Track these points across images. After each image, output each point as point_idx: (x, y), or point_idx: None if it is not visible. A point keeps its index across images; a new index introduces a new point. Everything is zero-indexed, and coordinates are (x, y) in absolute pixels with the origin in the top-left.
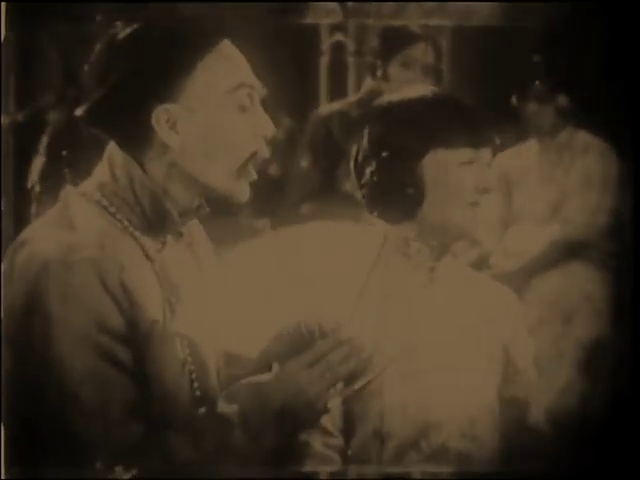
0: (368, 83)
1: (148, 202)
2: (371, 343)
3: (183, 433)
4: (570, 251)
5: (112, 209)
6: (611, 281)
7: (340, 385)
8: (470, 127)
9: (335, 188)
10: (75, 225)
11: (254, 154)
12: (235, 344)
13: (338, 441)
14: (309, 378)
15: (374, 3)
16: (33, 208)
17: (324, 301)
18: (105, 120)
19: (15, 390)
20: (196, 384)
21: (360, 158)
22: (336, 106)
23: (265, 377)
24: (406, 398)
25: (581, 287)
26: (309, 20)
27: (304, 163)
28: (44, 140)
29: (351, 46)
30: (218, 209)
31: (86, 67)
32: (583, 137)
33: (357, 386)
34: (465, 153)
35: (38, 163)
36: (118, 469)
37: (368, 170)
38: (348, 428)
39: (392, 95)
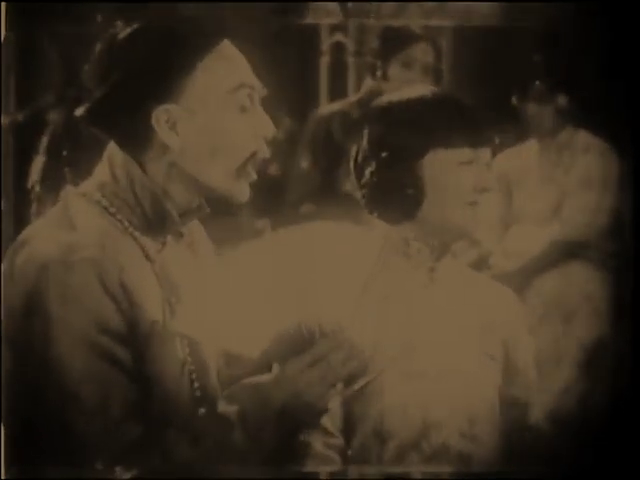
0: (368, 83)
1: (148, 202)
2: (371, 343)
3: (183, 433)
4: (570, 251)
5: (112, 209)
6: (611, 281)
7: (340, 386)
8: (469, 127)
9: (335, 188)
10: (75, 225)
11: (254, 154)
12: (235, 344)
13: (338, 441)
14: (309, 379)
15: (374, 3)
16: (33, 208)
17: (324, 302)
18: (105, 120)
19: (15, 390)
20: (196, 384)
21: (360, 158)
22: (336, 106)
23: (265, 377)
24: (406, 398)
25: (581, 287)
26: (309, 20)
27: (304, 163)
28: (44, 140)
29: (351, 46)
30: (218, 209)
31: (86, 67)
32: (583, 137)
33: (357, 386)
34: (464, 153)
35: (38, 163)
36: (118, 469)
37: (368, 170)
38: (348, 428)
39: (391, 95)
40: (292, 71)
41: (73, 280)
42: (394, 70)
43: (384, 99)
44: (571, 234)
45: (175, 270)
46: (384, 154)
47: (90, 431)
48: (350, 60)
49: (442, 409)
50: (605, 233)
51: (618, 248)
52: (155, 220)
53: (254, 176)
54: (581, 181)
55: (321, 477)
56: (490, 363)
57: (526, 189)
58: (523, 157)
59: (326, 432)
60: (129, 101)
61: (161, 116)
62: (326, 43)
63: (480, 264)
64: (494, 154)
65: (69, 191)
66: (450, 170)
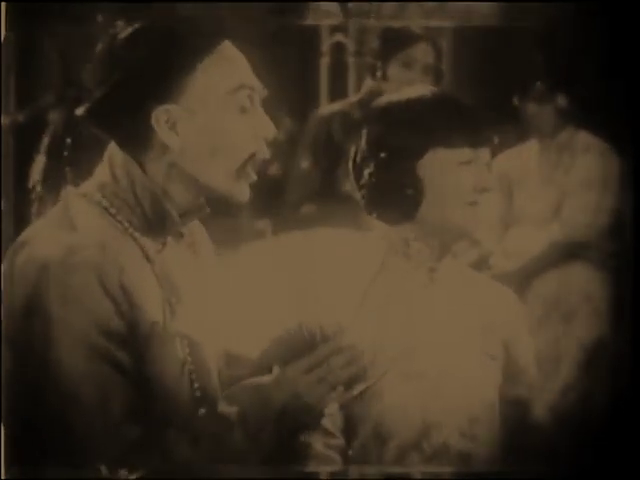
0: (368, 84)
1: (148, 203)
2: (372, 344)
3: (183, 433)
4: (570, 251)
5: (112, 210)
6: (611, 281)
7: (339, 389)
8: (469, 127)
9: (336, 189)
10: (75, 226)
11: (253, 155)
12: (235, 345)
13: (339, 441)
14: (309, 381)
15: (374, 3)
16: (34, 208)
17: (325, 303)
18: (105, 120)
19: (15, 390)
20: (196, 385)
21: (358, 159)
22: (336, 106)
23: (265, 379)
24: (407, 398)
25: (581, 287)
26: (309, 21)
27: (304, 164)
28: (45, 140)
29: (351, 46)
30: (219, 210)
31: (87, 67)
32: (583, 137)
33: (356, 392)
34: (464, 153)
35: (39, 163)
36: (118, 470)
37: (366, 171)
38: (349, 428)
39: (391, 95)
40: (292, 71)
41: (73, 281)
42: (394, 70)
43: (383, 99)
44: (571, 234)
45: (175, 271)
46: (383, 154)
47: (90, 431)
48: (350, 60)
49: (443, 409)
50: (605, 233)
51: (618, 248)
52: (155, 220)
53: (254, 177)
54: (581, 181)
55: (321, 477)
56: (491, 363)
57: (526, 189)
58: (523, 157)
59: (327, 432)
60: (129, 101)
61: (161, 116)
62: (326, 43)
63: (480, 264)
64: (494, 154)
65: (70, 191)
66: (450, 170)
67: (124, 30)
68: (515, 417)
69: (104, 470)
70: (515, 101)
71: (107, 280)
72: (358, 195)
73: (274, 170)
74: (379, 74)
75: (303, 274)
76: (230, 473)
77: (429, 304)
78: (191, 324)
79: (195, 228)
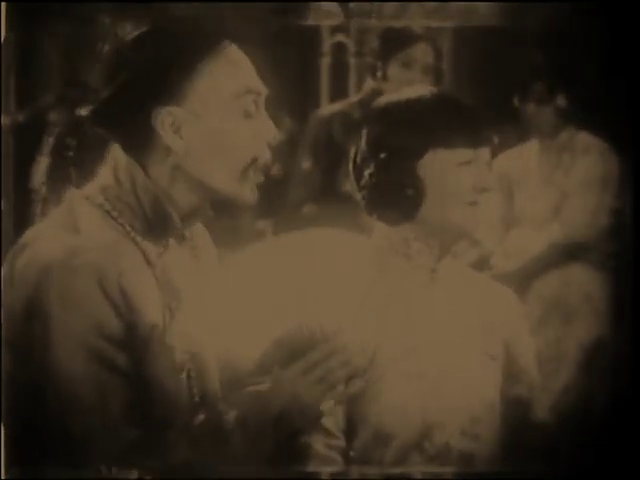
0: (369, 84)
1: (150, 206)
2: (372, 344)
3: (182, 437)
4: (570, 252)
5: (114, 213)
6: (611, 281)
7: (338, 389)
8: (469, 127)
9: (336, 189)
10: (77, 229)
11: (256, 159)
12: (235, 349)
13: (340, 442)
14: (308, 384)
15: (376, 4)
16: (37, 209)
17: (325, 306)
18: (110, 121)
19: (15, 391)
20: (195, 389)
21: (359, 160)
22: (337, 107)
23: (264, 382)
24: (407, 398)
25: (581, 287)
26: (310, 21)
27: (305, 164)
28: (48, 141)
29: (352, 47)
30: (219, 210)
31: (91, 68)
32: (583, 138)
33: (351, 388)
34: (464, 153)
35: (42, 164)
36: (119, 470)
37: (366, 172)
38: (350, 429)
39: (390, 96)
40: (293, 72)
41: (73, 284)
42: (394, 70)
43: (383, 100)
44: (571, 234)
45: (176, 274)
46: (383, 155)
47: (90, 432)
48: (351, 61)
49: (443, 409)
50: (605, 233)
51: (618, 249)
52: (157, 224)
53: (260, 178)
54: (581, 182)
55: (322, 477)
56: (491, 363)
57: (527, 189)
58: (524, 157)
59: (328, 433)
60: (134, 103)
61: (165, 119)
62: (327, 44)
63: (481, 264)
64: (494, 154)
65: (72, 194)
66: (450, 170)
67: (129, 32)
68: (515, 417)
69: (104, 470)
70: (515, 101)
71: (107, 283)
72: (358, 196)
73: (275, 170)
74: (379, 74)
75: (303, 276)
76: (230, 473)
77: (429, 304)
78: (191, 327)
79: (198, 231)
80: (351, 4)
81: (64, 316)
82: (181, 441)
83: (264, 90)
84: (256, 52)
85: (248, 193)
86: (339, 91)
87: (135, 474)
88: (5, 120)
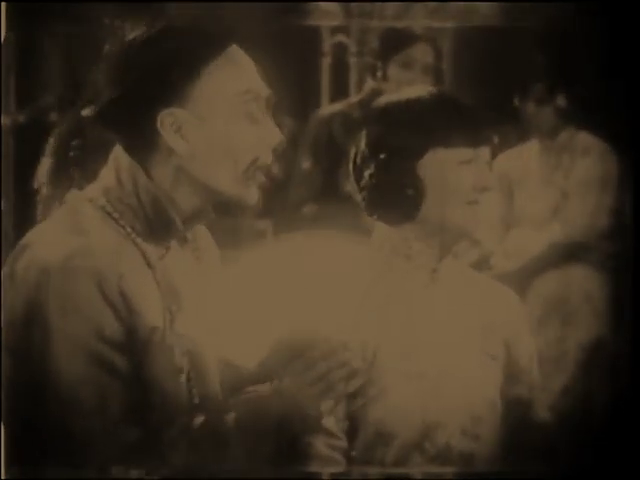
0: (369, 84)
1: (152, 208)
2: (372, 345)
3: (181, 440)
4: (570, 252)
5: (115, 215)
6: (611, 282)
7: (337, 391)
8: (469, 127)
9: (337, 189)
10: (78, 231)
11: (257, 160)
12: (235, 352)
13: (342, 443)
14: (308, 388)
15: (377, 4)
16: (39, 210)
17: (326, 310)
18: (113, 123)
19: (15, 391)
20: (195, 390)
21: (359, 160)
22: (337, 107)
23: (264, 385)
24: (408, 398)
25: (581, 288)
26: (312, 22)
27: (305, 164)
28: (51, 141)
29: (353, 47)
30: (220, 210)
31: (95, 69)
32: (583, 138)
33: (351, 388)
34: (464, 152)
35: (45, 164)
36: (118, 470)
37: (367, 173)
38: (352, 429)
39: (390, 96)
40: (294, 72)
41: (73, 287)
42: (394, 70)
43: (382, 100)
44: (571, 235)
45: (177, 277)
46: (383, 155)
47: (90, 432)
48: (352, 61)
49: (444, 409)
50: (605, 234)
51: (618, 249)
52: (158, 226)
53: (262, 179)
54: (581, 182)
55: (323, 478)
56: (491, 363)
57: (527, 189)
58: (524, 157)
59: (329, 433)
60: (137, 104)
61: (166, 119)
62: (328, 44)
63: (481, 264)
64: (494, 154)
65: (74, 195)
66: (450, 169)
67: (132, 33)
68: (515, 417)
69: (104, 470)
70: (515, 101)
71: (106, 286)
72: (359, 196)
73: (275, 170)
74: (379, 74)
75: (304, 278)
76: (231, 473)
77: (430, 304)
78: (191, 330)
79: (200, 233)
80: (352, 4)
81: (64, 318)
82: (181, 442)
83: (267, 92)
84: (259, 53)
85: (251, 195)
86: (339, 91)
87: (135, 474)
88: (5, 120)
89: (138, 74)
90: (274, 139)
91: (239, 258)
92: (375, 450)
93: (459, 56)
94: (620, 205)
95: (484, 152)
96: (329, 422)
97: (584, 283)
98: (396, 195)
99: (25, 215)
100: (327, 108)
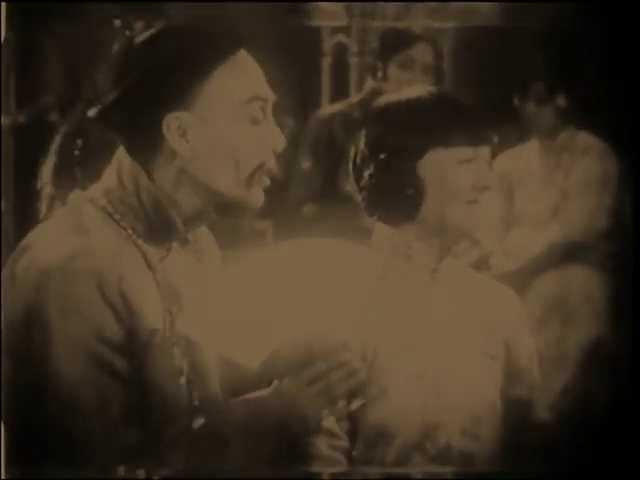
0: (369, 84)
1: (153, 209)
2: (372, 345)
3: (181, 440)
4: (570, 252)
5: (117, 216)
6: (611, 282)
7: (339, 403)
8: (469, 126)
9: (337, 189)
10: (79, 231)
11: (262, 163)
12: (236, 354)
13: (344, 443)
14: (308, 392)
15: (379, 4)
16: (41, 210)
17: (327, 314)
18: (117, 123)
19: (15, 391)
20: (195, 392)
21: (358, 160)
22: (337, 107)
23: (264, 391)
24: (408, 398)
25: (581, 288)
26: (312, 22)
27: (306, 164)
28: (55, 140)
29: (353, 47)
30: (220, 210)
31: (99, 69)
32: (583, 138)
33: (354, 406)
34: (464, 151)
35: (47, 164)
36: (119, 470)
37: (367, 173)
38: (352, 429)
39: (390, 96)
40: (294, 72)
41: (73, 288)
42: (394, 70)
43: (382, 100)
44: (571, 235)
45: (178, 278)
46: (383, 155)
47: (90, 433)
48: (352, 61)
49: (444, 409)
50: (605, 234)
51: (618, 249)
52: (159, 227)
53: (267, 182)
54: (581, 182)
55: (324, 478)
56: (491, 363)
57: (527, 190)
58: (524, 157)
59: (331, 434)
60: (141, 105)
61: (172, 123)
62: (328, 44)
63: (481, 264)
64: (494, 154)
65: (76, 196)
66: (450, 169)
67: (139, 33)
68: (516, 417)
69: (104, 470)
70: (515, 101)
71: (107, 287)
72: (359, 197)
73: (275, 170)
74: (380, 74)
75: (305, 282)
76: (231, 473)
77: (430, 304)
78: (191, 332)
79: (202, 234)
80: (353, 4)
81: (64, 320)
82: (181, 443)
83: (272, 97)
84: (259, 53)
85: (254, 197)
86: (340, 91)
87: (135, 474)
88: (5, 120)
89: (143, 75)
90: (277, 143)
91: (239, 258)
92: (375, 450)
93: (459, 56)
94: (620, 205)
95: (484, 152)
96: (329, 422)
97: (584, 283)
98: (396, 195)
99: (25, 215)
100: (327, 108)
